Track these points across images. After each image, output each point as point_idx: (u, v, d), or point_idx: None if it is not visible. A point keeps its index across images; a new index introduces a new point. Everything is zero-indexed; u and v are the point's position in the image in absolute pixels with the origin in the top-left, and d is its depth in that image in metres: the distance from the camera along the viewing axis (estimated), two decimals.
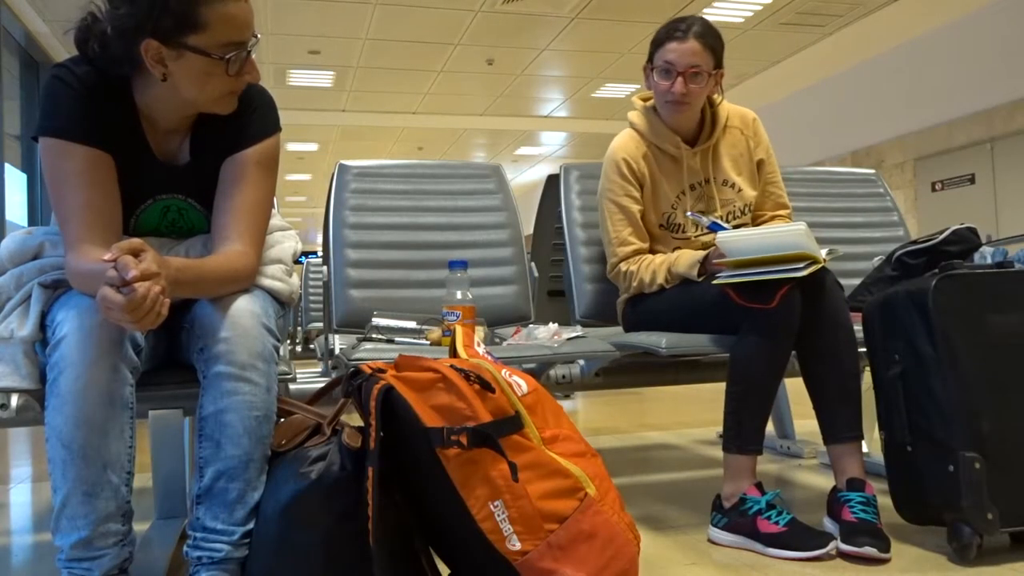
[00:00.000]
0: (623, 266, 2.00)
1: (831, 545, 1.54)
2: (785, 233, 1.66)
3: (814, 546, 1.54)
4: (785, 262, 1.62)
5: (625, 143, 2.04)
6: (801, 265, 1.61)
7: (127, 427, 1.23)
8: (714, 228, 1.89)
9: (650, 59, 1.98)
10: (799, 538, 1.57)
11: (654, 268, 1.93)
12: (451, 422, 1.19)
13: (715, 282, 1.70)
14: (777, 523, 1.59)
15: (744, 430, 1.68)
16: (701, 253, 1.87)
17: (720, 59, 1.94)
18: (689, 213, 1.99)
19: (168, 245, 1.41)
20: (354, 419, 1.34)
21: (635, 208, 2.00)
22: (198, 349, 1.30)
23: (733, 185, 2.03)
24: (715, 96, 2.03)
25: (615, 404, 4.35)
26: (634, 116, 2.08)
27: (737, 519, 1.65)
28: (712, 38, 1.91)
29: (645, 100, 2.08)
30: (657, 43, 1.95)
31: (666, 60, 1.91)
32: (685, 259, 1.88)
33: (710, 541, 1.69)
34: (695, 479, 2.41)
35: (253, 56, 1.33)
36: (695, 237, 2.00)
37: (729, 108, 2.08)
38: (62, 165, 1.29)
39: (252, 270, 1.38)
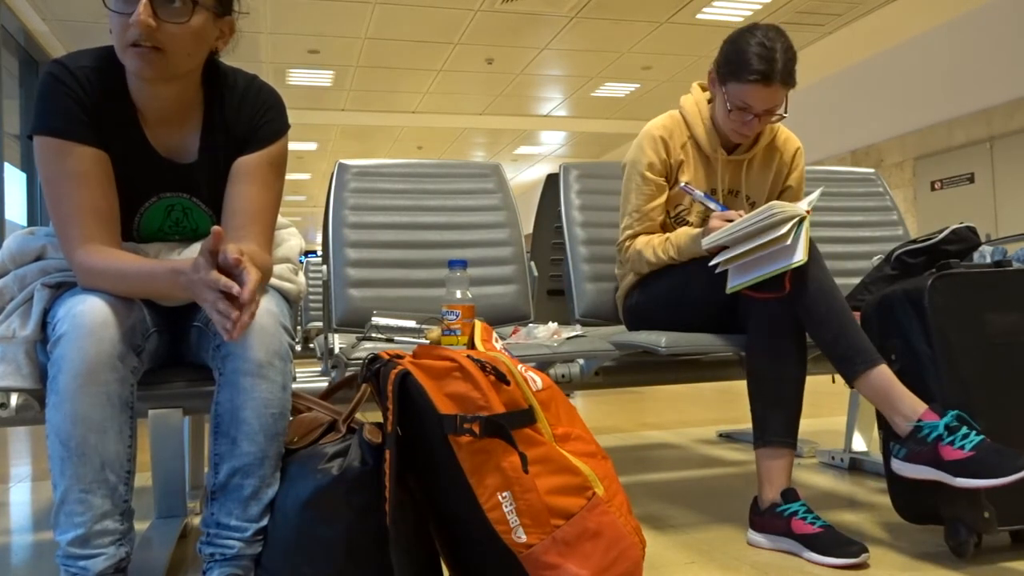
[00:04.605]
0: (638, 242, 1.97)
1: (863, 556, 1.51)
2: (764, 220, 1.64)
3: (848, 553, 1.51)
4: (775, 240, 1.61)
5: (668, 124, 2.00)
6: (787, 230, 1.59)
7: (126, 427, 1.23)
8: (708, 199, 1.92)
9: (722, 77, 1.87)
10: (835, 543, 1.54)
11: (653, 246, 1.93)
12: (465, 410, 1.20)
13: (729, 290, 1.71)
14: (813, 524, 1.58)
15: (767, 423, 1.68)
16: (697, 230, 1.85)
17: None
18: (682, 184, 1.96)
19: (176, 248, 1.41)
20: (368, 417, 1.35)
21: (664, 185, 1.98)
22: (214, 346, 1.30)
23: (753, 204, 2.02)
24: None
25: (615, 403, 4.36)
26: (687, 102, 2.02)
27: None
28: (793, 71, 1.82)
29: (704, 89, 2.03)
30: (738, 73, 1.82)
31: (745, 101, 1.82)
32: (685, 234, 1.87)
33: (749, 543, 1.68)
34: (695, 478, 2.41)
35: (181, 22, 1.25)
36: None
37: (779, 127, 2.04)
38: (60, 165, 1.29)
39: (270, 270, 1.40)
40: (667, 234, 1.94)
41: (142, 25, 1.22)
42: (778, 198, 2.06)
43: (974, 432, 1.43)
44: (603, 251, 2.25)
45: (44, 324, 1.28)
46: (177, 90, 1.35)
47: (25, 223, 6.76)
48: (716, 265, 1.73)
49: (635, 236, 1.99)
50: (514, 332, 1.99)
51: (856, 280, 2.10)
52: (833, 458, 2.53)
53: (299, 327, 6.02)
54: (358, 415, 1.36)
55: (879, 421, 1.66)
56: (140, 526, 1.52)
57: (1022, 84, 6.30)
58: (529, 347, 1.78)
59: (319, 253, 4.26)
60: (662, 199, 1.99)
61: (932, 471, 1.45)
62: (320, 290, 2.23)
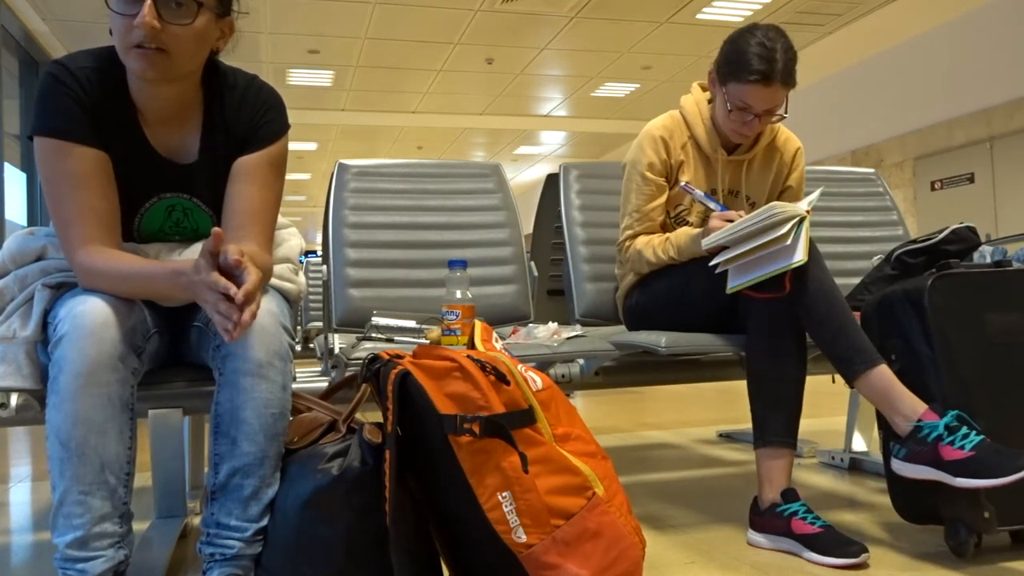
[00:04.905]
0: (638, 242, 1.97)
1: (863, 556, 1.51)
2: (764, 220, 1.64)
3: (848, 553, 1.51)
4: (775, 239, 1.61)
5: (668, 124, 1.99)
6: (788, 230, 1.60)
7: (126, 428, 1.23)
8: (708, 199, 1.92)
9: (722, 77, 1.87)
10: (835, 543, 1.54)
11: (653, 246, 1.93)
12: (465, 410, 1.20)
13: (729, 290, 1.71)
14: (813, 524, 1.58)
15: (767, 423, 1.68)
16: (697, 230, 1.85)
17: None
18: (682, 184, 1.96)
19: (176, 249, 1.41)
20: (368, 417, 1.35)
21: (664, 186, 1.98)
22: (214, 346, 1.30)
23: (753, 204, 2.02)
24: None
25: (615, 403, 4.36)
26: (687, 102, 2.02)
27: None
28: (793, 71, 1.81)
29: (705, 89, 2.03)
30: (738, 73, 1.82)
31: (745, 101, 1.83)
32: (685, 234, 1.87)
33: (749, 543, 1.68)
34: (695, 478, 2.41)
35: (185, 23, 1.26)
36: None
37: (779, 127, 2.04)
38: (60, 165, 1.29)
39: (270, 270, 1.40)
40: (667, 234, 1.94)
41: (147, 27, 1.22)
42: (778, 198, 2.05)
43: (974, 432, 1.43)
44: (603, 251, 2.25)
45: (45, 325, 1.28)
46: (178, 90, 1.35)
47: (25, 223, 6.76)
48: (716, 265, 1.73)
49: (635, 236, 1.99)
50: (514, 332, 1.99)
51: (856, 280, 2.10)
52: (833, 458, 2.53)
53: (299, 327, 6.03)
54: (358, 415, 1.36)
55: (879, 421, 1.66)
56: (140, 526, 1.52)
57: (1022, 84, 6.30)
58: (529, 347, 1.78)
59: (319, 253, 4.26)
60: (662, 199, 1.99)
61: (932, 471, 1.45)
62: (320, 290, 2.23)
